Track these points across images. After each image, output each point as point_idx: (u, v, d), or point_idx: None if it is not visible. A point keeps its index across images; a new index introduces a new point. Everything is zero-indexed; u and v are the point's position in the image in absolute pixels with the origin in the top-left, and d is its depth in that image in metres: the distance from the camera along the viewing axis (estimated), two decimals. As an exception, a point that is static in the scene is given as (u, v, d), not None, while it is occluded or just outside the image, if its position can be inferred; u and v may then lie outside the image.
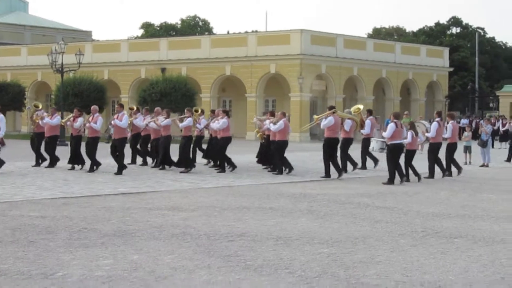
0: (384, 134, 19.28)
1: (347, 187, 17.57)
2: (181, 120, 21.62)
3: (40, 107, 23.51)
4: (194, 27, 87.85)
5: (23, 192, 15.41)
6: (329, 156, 20.18)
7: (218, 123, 21.46)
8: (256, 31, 59.48)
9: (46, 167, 21.60)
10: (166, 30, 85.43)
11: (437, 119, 21.39)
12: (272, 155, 21.41)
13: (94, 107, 21.76)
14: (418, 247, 9.75)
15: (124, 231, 10.59)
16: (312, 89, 48.23)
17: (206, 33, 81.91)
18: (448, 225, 11.66)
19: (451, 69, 59.62)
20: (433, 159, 20.80)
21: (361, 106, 23.01)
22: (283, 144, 20.98)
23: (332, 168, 20.15)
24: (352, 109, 22.89)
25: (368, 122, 19.91)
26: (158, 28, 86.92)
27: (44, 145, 22.12)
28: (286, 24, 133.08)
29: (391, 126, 18.86)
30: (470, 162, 26.03)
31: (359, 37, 55.66)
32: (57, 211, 12.55)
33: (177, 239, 9.99)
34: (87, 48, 53.16)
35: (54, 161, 21.96)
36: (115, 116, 20.90)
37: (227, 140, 21.56)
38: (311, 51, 47.24)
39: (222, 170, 21.29)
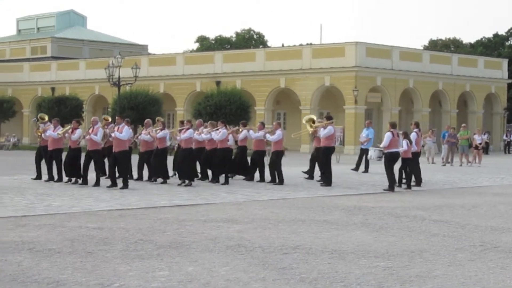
0: (381, 144, 19.99)
1: (403, 200, 17.37)
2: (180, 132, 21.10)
3: (46, 119, 22.72)
4: (248, 40, 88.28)
5: (81, 204, 15.64)
6: (328, 164, 20.84)
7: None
8: (311, 44, 59.44)
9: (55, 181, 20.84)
10: (221, 44, 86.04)
11: (415, 129, 21.64)
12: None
13: (94, 119, 20.92)
14: (477, 261, 9.57)
15: (179, 242, 10.65)
16: (367, 101, 47.96)
17: (261, 46, 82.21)
18: (508, 240, 11.43)
19: (510, 81, 58.60)
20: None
21: (314, 117, 23.09)
22: (279, 154, 21.33)
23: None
24: (305, 119, 23.08)
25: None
26: (213, 42, 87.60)
27: (49, 159, 21.26)
28: (340, 37, 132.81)
29: (388, 135, 19.69)
30: None
31: (415, 49, 55.18)
32: (114, 223, 12.70)
33: (232, 251, 10.00)
34: (143, 61, 53.90)
35: (59, 174, 20.92)
36: (116, 128, 19.98)
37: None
38: (366, 64, 47.01)
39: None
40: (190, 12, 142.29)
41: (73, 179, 20.62)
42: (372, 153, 22.18)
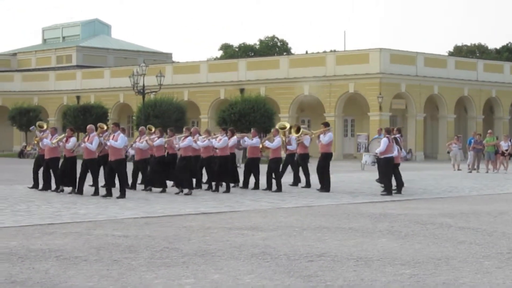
0: (378, 149, 20.56)
1: (429, 208, 17.26)
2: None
3: (45, 127, 22.15)
4: (272, 48, 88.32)
5: (107, 212, 15.72)
6: (326, 169, 21.25)
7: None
8: (335, 51, 59.39)
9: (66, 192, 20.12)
10: (245, 51, 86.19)
11: (398, 135, 22.12)
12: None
13: (90, 127, 20.13)
14: (504, 269, 9.48)
15: (204, 250, 10.67)
16: (392, 108, 47.79)
17: (285, 53, 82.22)
18: (535, 247, 11.31)
19: (536, 86, 58.04)
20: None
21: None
22: (278, 161, 21.64)
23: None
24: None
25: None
26: (237, 49, 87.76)
27: (46, 168, 20.71)
28: (364, 43, 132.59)
29: (384, 141, 20.29)
30: None
31: (439, 55, 54.94)
32: (140, 231, 12.75)
33: (257, 259, 10.00)
34: (167, 69, 54.15)
35: (57, 184, 20.36)
36: (111, 137, 19.27)
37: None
38: (390, 70, 46.87)
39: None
40: (214, 20, 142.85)
41: (70, 189, 20.01)
42: (367, 158, 22.33)
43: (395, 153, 20.81)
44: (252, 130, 22.82)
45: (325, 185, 21.25)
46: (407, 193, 20.97)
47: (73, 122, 46.97)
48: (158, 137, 20.77)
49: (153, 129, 22.19)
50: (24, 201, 17.98)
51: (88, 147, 19.38)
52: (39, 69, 68.45)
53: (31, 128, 23.63)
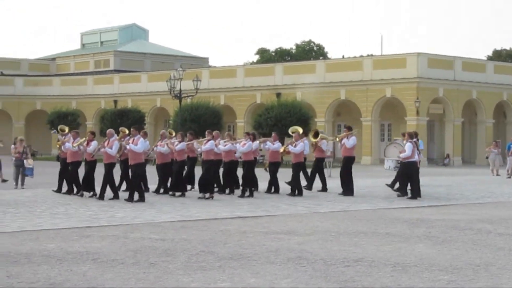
0: (403, 154, 20.68)
1: (467, 213, 17.07)
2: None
3: (66, 131, 21.95)
4: (309, 52, 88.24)
5: (144, 215, 15.81)
6: (349, 173, 21.35)
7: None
8: (371, 55, 59.08)
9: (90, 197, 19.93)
10: (281, 55, 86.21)
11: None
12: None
13: (110, 131, 20.10)
14: (544, 276, 9.33)
15: (240, 254, 10.67)
16: (429, 112, 47.42)
17: (321, 57, 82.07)
18: None
19: None
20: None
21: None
22: (300, 165, 21.65)
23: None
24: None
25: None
26: (273, 54, 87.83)
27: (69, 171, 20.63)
28: (401, 48, 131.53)
29: (409, 146, 20.40)
30: None
31: (478, 59, 54.37)
32: (176, 234, 12.80)
33: (293, 263, 9.98)
34: (204, 74, 54.34)
35: (78, 188, 20.35)
36: (131, 141, 19.23)
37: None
38: (428, 74, 46.50)
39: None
40: (250, 25, 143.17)
41: (91, 193, 19.90)
42: (390, 163, 22.20)
43: (416, 157, 20.81)
44: (273, 134, 22.74)
45: (349, 189, 21.25)
46: (444, 198, 20.75)
47: (110, 126, 47.26)
48: (179, 141, 20.64)
49: (66, 130, 21.93)
50: (62, 204, 18.17)
51: (108, 151, 19.27)
52: (77, 74, 69.22)
53: (52, 131, 23.63)
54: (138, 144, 18.90)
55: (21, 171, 24.50)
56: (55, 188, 21.18)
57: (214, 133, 21.15)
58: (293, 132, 22.55)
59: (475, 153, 51.11)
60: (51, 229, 13.36)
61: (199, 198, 19.73)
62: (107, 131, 20.20)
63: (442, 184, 27.39)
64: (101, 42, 76.41)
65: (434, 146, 50.48)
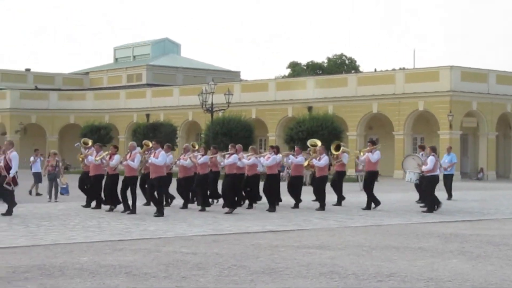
0: (425, 167, 20.51)
1: (502, 228, 16.86)
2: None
3: (90, 143, 21.91)
4: (340, 66, 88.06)
5: (175, 229, 15.85)
6: (371, 187, 21.20)
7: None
8: (404, 68, 58.82)
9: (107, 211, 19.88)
10: (313, 69, 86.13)
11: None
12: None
13: (132, 144, 20.04)
14: None
15: (272, 268, 10.64)
16: (462, 126, 47.03)
17: (353, 71, 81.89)
18: None
19: None
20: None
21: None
22: (324, 179, 21.41)
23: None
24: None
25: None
26: (304, 67, 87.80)
27: (90, 185, 20.70)
28: (434, 61, 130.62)
29: (431, 159, 20.36)
30: None
31: (512, 72, 53.84)
32: (208, 248, 12.81)
33: (325, 278, 9.92)
34: (235, 88, 54.49)
35: (98, 201, 20.46)
36: (152, 154, 19.11)
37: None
38: (461, 88, 46.16)
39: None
40: (282, 38, 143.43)
41: (110, 207, 19.93)
42: (412, 176, 22.08)
43: (438, 171, 20.91)
44: (296, 148, 22.66)
45: (373, 202, 21.14)
46: (478, 213, 20.53)
47: (142, 140, 47.58)
48: (202, 155, 20.59)
49: (90, 143, 21.90)
50: (95, 217, 18.30)
51: (130, 164, 19.24)
52: (110, 88, 69.87)
53: (75, 144, 23.69)
54: (159, 157, 18.84)
55: (54, 185, 24.76)
56: (84, 203, 21.20)
57: (237, 146, 21.05)
58: (311, 145, 22.51)
59: (509, 167, 50.55)
60: (84, 242, 13.45)
61: (226, 213, 19.46)
62: (129, 144, 20.22)
63: (476, 198, 27.11)
64: (134, 57, 77.10)
65: (467, 160, 49.99)
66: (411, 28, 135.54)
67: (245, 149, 22.95)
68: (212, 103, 44.53)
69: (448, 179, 26.28)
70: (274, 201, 20.85)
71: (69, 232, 14.98)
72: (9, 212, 18.29)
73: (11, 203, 18.56)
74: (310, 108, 50.29)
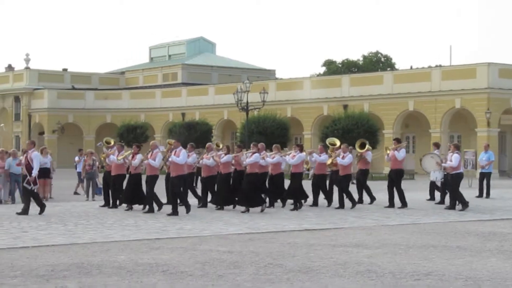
0: (449, 163, 20.43)
1: (541, 227, 16.63)
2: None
3: (112, 143, 21.80)
4: (376, 63, 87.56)
5: (211, 227, 15.90)
6: (399, 186, 21.14)
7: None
8: (440, 66, 58.26)
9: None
10: (348, 67, 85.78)
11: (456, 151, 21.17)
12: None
13: (153, 143, 20.03)
14: None
15: (308, 267, 10.62)
16: (500, 124, 46.46)
17: (389, 68, 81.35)
18: None
19: None
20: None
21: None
22: (348, 178, 21.38)
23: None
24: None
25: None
26: (340, 65, 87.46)
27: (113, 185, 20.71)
28: (471, 58, 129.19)
29: (456, 157, 20.24)
30: None
31: (551, 68, 53.03)
32: (244, 246, 12.83)
33: (362, 277, 9.88)
34: (271, 86, 54.42)
35: (114, 200, 20.58)
36: (173, 153, 18.95)
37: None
38: (499, 85, 45.59)
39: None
40: (317, 36, 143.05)
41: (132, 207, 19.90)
42: (437, 175, 21.85)
43: (462, 169, 20.92)
44: (320, 146, 22.38)
45: (401, 202, 20.99)
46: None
47: (178, 139, 47.82)
48: (225, 154, 20.54)
49: (112, 143, 21.82)
50: (132, 216, 18.44)
51: (151, 163, 19.24)
52: (146, 87, 70.25)
53: (98, 144, 23.83)
54: (180, 156, 18.78)
55: (91, 184, 25.00)
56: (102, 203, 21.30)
57: (259, 145, 20.94)
58: (330, 144, 22.41)
59: (548, 164, 49.82)
60: (121, 241, 13.56)
61: (242, 212, 19.33)
62: (151, 143, 20.18)
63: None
64: (169, 56, 77.41)
65: (505, 158, 49.37)
66: (448, 25, 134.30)
67: (282, 148, 22.93)
68: (247, 101, 44.55)
69: (486, 178, 25.98)
70: (300, 200, 20.76)
71: (107, 231, 15.12)
72: (24, 211, 18.29)
73: (27, 203, 18.51)
74: (345, 106, 50.08)
